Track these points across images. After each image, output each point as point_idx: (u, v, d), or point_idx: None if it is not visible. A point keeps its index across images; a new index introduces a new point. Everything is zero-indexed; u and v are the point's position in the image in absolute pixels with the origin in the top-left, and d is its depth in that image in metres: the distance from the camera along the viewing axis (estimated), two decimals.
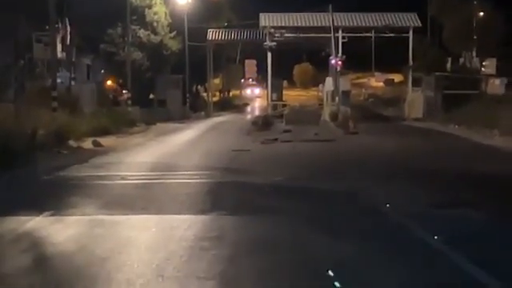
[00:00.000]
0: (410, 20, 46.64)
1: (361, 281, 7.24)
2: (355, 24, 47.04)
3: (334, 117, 38.30)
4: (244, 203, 12.09)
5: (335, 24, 43.65)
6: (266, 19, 47.32)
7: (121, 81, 45.06)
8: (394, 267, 7.70)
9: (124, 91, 42.68)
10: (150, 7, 45.85)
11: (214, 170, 17.06)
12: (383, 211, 11.11)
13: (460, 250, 8.24)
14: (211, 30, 52.56)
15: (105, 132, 28.62)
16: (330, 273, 7.24)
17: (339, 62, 42.62)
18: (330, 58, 44.60)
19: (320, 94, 58.33)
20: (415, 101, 43.53)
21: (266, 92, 55.67)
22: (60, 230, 9.75)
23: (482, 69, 49.47)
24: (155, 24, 45.98)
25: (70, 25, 32.90)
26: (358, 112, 40.45)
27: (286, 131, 30.95)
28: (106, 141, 25.79)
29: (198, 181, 15.12)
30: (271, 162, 19.33)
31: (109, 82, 47.06)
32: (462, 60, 52.63)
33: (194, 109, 52.18)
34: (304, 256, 8.17)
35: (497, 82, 43.31)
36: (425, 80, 43.68)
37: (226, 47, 60.05)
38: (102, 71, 46.58)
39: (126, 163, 19.35)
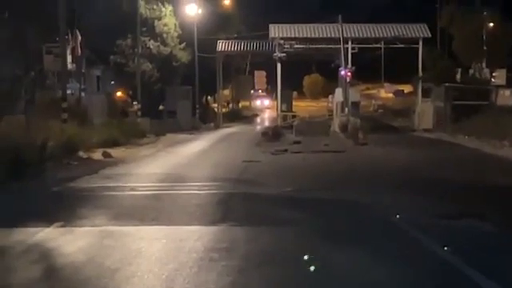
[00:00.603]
0: (420, 31, 46.53)
1: None
2: (365, 35, 46.96)
3: (343, 128, 38.20)
4: (254, 214, 12.06)
5: (345, 35, 43.56)
6: (276, 30, 47.32)
7: (131, 92, 45.16)
8: (404, 278, 7.68)
9: (134, 102, 42.78)
10: (159, 19, 45.99)
11: (225, 180, 17.05)
12: (393, 222, 11.08)
13: (470, 260, 8.20)
14: (221, 41, 52.60)
15: (114, 143, 28.61)
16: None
17: (349, 73, 42.51)
18: (340, 68, 44.52)
19: (330, 104, 58.23)
20: (425, 111, 43.41)
21: (275, 103, 55.67)
22: (70, 241, 9.76)
23: (492, 80, 49.27)
24: (165, 35, 46.10)
25: (80, 36, 32.98)
26: (368, 123, 40.28)
27: (295, 142, 30.88)
28: (115, 152, 25.84)
29: (208, 192, 15.11)
30: (282, 172, 19.32)
31: (119, 94, 47.17)
32: (471, 71, 52.47)
33: (203, 120, 52.18)
34: (314, 267, 8.11)
35: (507, 92, 43.07)
36: (434, 91, 43.57)
37: (236, 58, 60.13)
38: (112, 82, 46.65)
39: (135, 174, 19.35)
